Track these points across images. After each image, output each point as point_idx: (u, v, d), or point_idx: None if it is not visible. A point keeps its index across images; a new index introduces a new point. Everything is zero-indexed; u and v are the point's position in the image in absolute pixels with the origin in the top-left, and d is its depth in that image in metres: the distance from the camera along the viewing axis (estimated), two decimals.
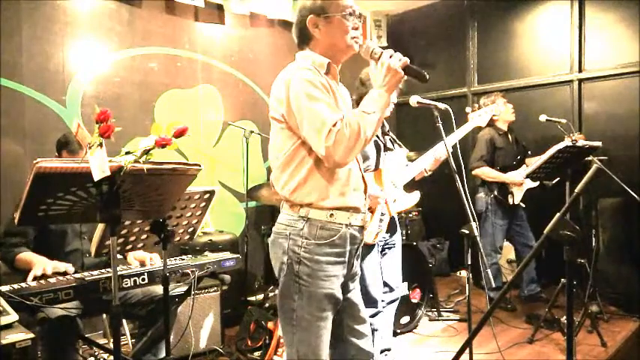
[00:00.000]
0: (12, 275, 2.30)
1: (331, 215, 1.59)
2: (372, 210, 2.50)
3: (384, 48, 1.63)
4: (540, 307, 3.76)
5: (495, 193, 3.97)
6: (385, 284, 2.76)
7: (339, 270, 1.64)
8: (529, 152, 4.13)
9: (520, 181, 3.89)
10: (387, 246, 2.79)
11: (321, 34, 1.66)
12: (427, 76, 1.58)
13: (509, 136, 4.15)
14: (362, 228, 1.71)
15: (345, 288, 1.70)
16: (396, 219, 2.83)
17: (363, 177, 1.72)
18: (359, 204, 1.66)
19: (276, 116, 1.64)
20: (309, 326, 1.60)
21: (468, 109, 3.30)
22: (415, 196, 2.81)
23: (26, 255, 2.26)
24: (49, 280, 2.03)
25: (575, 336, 3.10)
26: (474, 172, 3.99)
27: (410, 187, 2.83)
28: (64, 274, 2.12)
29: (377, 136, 2.68)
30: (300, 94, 1.53)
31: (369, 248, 2.55)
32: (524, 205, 4.00)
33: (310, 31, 1.67)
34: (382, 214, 2.57)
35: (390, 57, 1.58)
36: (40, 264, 2.12)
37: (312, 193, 1.58)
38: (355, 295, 1.78)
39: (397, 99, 2.67)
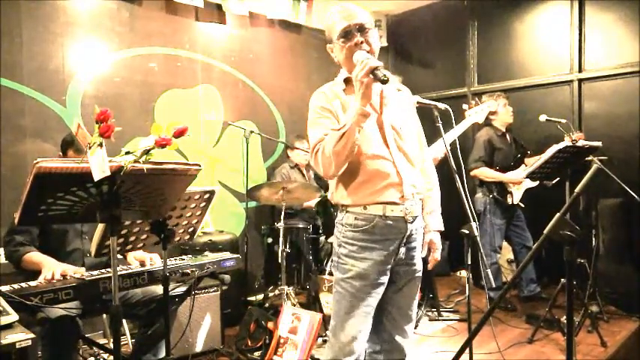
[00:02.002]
0: (12, 275, 2.30)
1: (365, 208, 1.77)
2: None
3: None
4: (540, 307, 3.76)
5: (494, 193, 3.97)
6: None
7: (376, 255, 1.77)
8: (528, 152, 4.13)
9: (519, 181, 3.89)
10: None
11: (337, 58, 1.86)
12: (386, 78, 1.56)
13: (508, 136, 4.15)
14: (403, 219, 1.78)
15: (396, 275, 1.84)
16: None
17: (398, 172, 1.77)
18: (393, 198, 1.76)
19: None
20: (341, 300, 1.80)
21: (465, 106, 3.30)
22: None
23: (33, 256, 2.25)
24: (62, 277, 2.04)
25: (575, 336, 3.10)
26: (472, 173, 3.98)
27: None
28: None
29: None
30: (308, 120, 1.84)
31: None
32: (523, 205, 4.00)
33: (332, 57, 1.89)
34: None
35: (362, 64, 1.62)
36: (49, 267, 2.11)
37: (345, 196, 1.81)
38: (410, 289, 1.89)
39: None
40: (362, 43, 1.73)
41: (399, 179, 1.77)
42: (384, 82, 1.57)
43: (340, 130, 1.64)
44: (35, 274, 2.12)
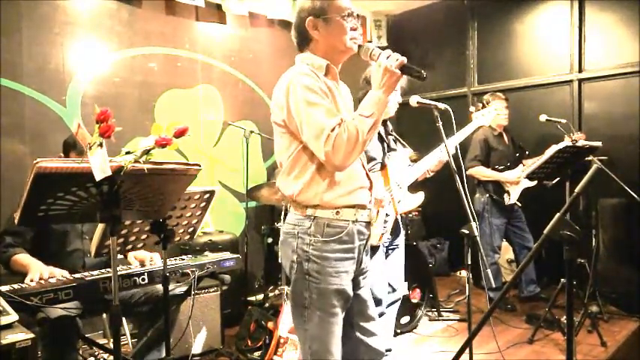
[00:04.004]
0: (12, 275, 2.30)
1: (337, 213, 1.63)
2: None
3: (383, 48, 1.62)
4: (540, 307, 3.76)
5: (491, 192, 3.97)
6: (388, 285, 2.76)
7: (349, 266, 1.66)
8: (527, 152, 4.13)
9: (516, 180, 3.89)
10: (391, 247, 2.78)
11: (320, 36, 1.69)
12: (424, 74, 1.55)
13: (505, 136, 4.14)
14: (368, 224, 1.73)
15: (355, 284, 1.72)
16: (399, 220, 2.82)
17: (367, 174, 1.73)
18: (364, 201, 1.69)
19: (278, 121, 1.68)
20: (321, 322, 1.63)
21: (472, 109, 3.30)
22: (419, 196, 2.80)
23: (21, 257, 2.24)
24: (49, 280, 2.02)
25: (575, 336, 3.10)
26: (468, 172, 3.97)
27: (413, 187, 2.82)
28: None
29: (382, 136, 2.69)
30: (300, 100, 1.56)
31: (373, 250, 2.53)
32: (520, 204, 4.01)
33: (309, 33, 1.69)
34: (387, 215, 2.56)
35: (388, 57, 1.56)
36: (36, 269, 2.10)
37: (317, 194, 1.62)
38: (365, 293, 1.79)
39: (401, 98, 2.68)
40: (356, 29, 1.69)
41: (369, 183, 1.73)
42: (423, 78, 1.55)
43: (370, 118, 1.53)
44: (23, 276, 2.10)
